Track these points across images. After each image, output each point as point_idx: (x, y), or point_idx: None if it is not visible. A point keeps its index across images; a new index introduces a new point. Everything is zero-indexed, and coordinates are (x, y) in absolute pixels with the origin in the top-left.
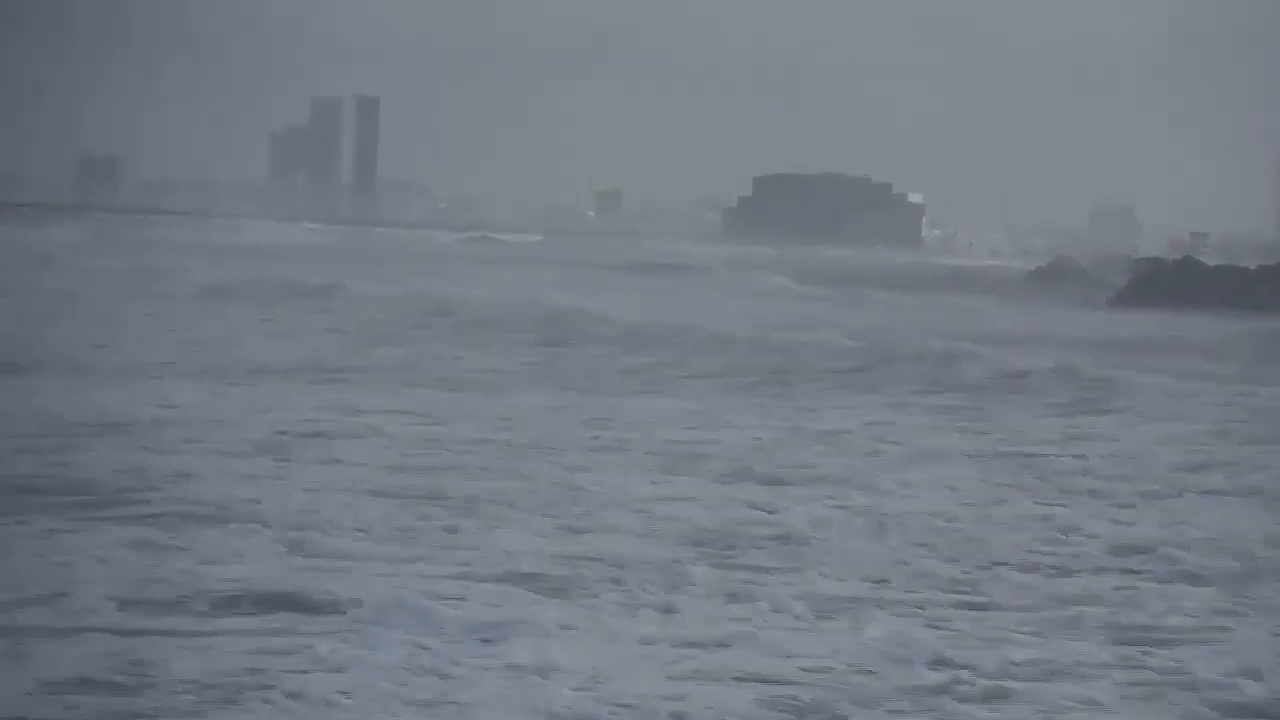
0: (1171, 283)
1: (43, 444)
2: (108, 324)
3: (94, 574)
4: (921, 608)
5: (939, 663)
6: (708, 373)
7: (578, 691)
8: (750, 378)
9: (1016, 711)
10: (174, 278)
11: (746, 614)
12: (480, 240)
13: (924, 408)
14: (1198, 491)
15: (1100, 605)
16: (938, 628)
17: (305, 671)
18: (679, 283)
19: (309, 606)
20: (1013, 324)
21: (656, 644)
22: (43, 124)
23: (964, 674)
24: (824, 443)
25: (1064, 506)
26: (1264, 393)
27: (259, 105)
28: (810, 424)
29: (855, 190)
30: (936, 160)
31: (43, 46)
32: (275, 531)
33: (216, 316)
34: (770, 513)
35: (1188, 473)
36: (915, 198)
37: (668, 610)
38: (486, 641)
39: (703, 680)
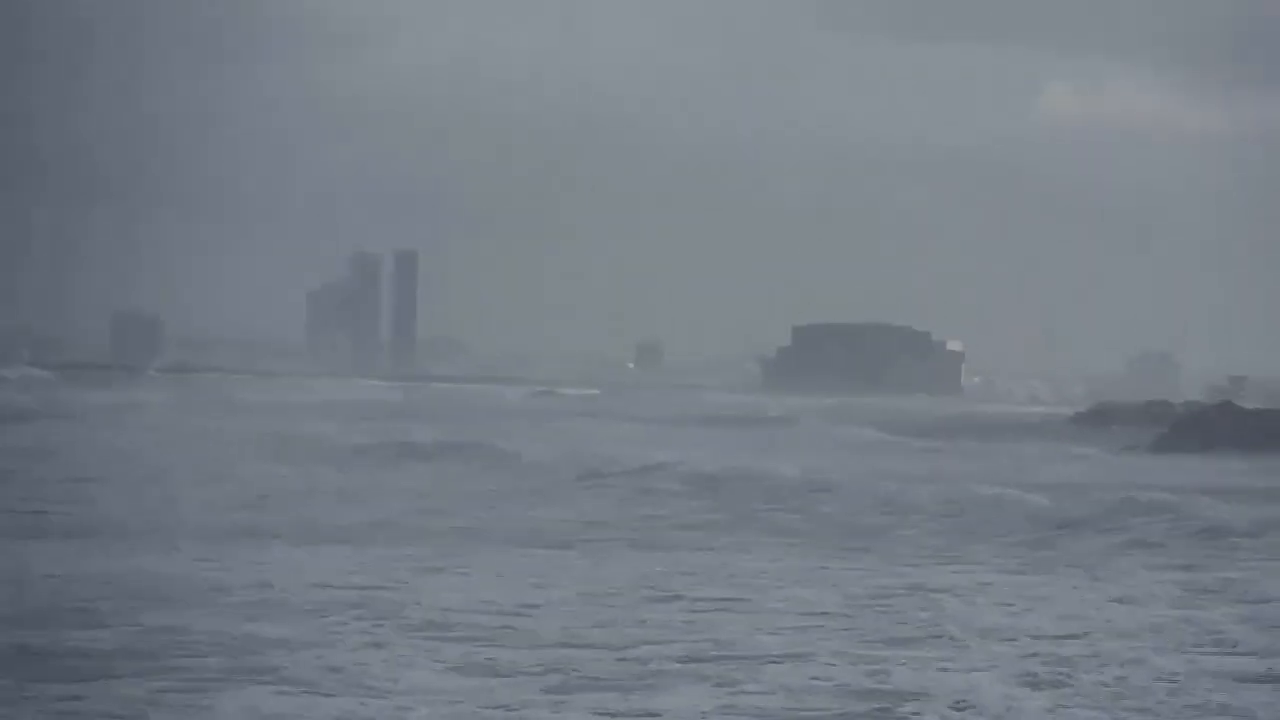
0: (1213, 427)
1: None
2: (273, 489)
3: None
4: None
5: None
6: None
7: None
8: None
9: None
10: (312, 438)
11: None
12: (545, 395)
13: None
14: None
15: None
16: None
17: None
18: (775, 436)
19: None
20: (1133, 472)
21: None
22: (73, 283)
23: None
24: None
25: None
26: None
27: (295, 261)
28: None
29: (894, 339)
30: (973, 306)
31: (69, 205)
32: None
33: (398, 479)
34: None
35: None
36: (954, 345)
37: None
38: None
39: None
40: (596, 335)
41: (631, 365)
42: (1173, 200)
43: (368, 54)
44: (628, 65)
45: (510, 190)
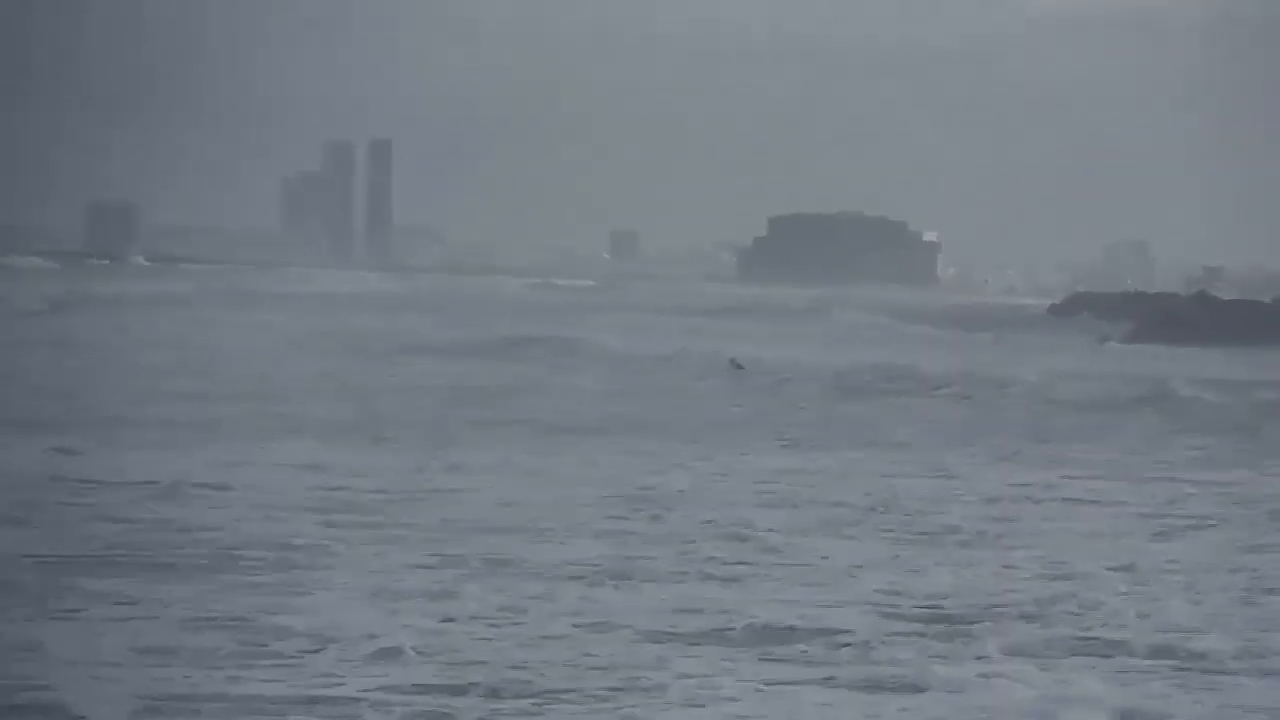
0: (1190, 318)
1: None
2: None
3: None
4: None
5: None
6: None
7: None
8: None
9: None
10: (368, 338)
11: None
12: (544, 287)
13: None
14: None
15: None
16: None
17: None
18: (821, 327)
19: None
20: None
21: None
22: (46, 174)
23: None
24: None
25: None
26: None
27: (270, 150)
28: None
29: (870, 229)
30: (948, 197)
31: (41, 95)
32: None
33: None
34: None
35: None
36: (930, 236)
37: None
38: None
39: None
40: (569, 225)
41: (607, 255)
42: (1151, 91)
43: None
44: None
45: (487, 84)
